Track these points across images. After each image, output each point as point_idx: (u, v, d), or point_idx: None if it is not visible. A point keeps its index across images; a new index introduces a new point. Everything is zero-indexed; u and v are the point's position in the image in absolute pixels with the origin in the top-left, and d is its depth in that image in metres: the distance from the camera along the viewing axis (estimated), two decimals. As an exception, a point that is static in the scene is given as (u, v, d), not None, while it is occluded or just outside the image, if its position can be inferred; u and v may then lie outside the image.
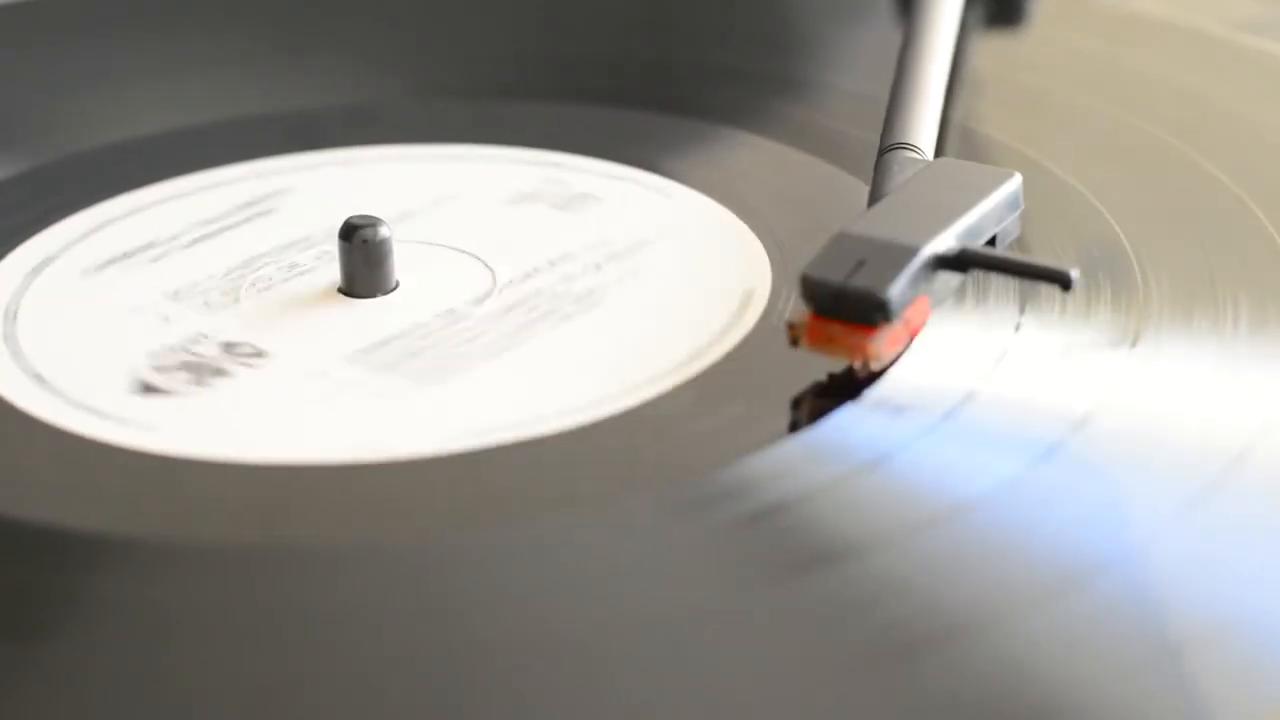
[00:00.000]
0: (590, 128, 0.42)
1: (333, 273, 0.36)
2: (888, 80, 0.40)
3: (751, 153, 0.41)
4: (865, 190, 0.36)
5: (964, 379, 0.32)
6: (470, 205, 0.39)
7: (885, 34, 0.45)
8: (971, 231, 0.33)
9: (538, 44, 0.46)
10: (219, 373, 0.33)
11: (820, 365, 0.32)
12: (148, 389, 0.33)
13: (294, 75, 0.45)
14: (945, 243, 0.32)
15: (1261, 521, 0.29)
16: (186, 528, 0.30)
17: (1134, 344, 0.33)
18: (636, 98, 0.43)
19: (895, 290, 0.31)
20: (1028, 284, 0.34)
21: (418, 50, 0.46)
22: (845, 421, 0.31)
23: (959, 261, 0.32)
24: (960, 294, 0.34)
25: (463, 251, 0.37)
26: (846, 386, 0.32)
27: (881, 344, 0.31)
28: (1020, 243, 0.36)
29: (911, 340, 0.32)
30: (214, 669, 0.27)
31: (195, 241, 0.38)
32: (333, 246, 0.36)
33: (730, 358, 0.33)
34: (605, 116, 0.42)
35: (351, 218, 0.36)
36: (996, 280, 0.34)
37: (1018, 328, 0.33)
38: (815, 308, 0.31)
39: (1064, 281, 0.31)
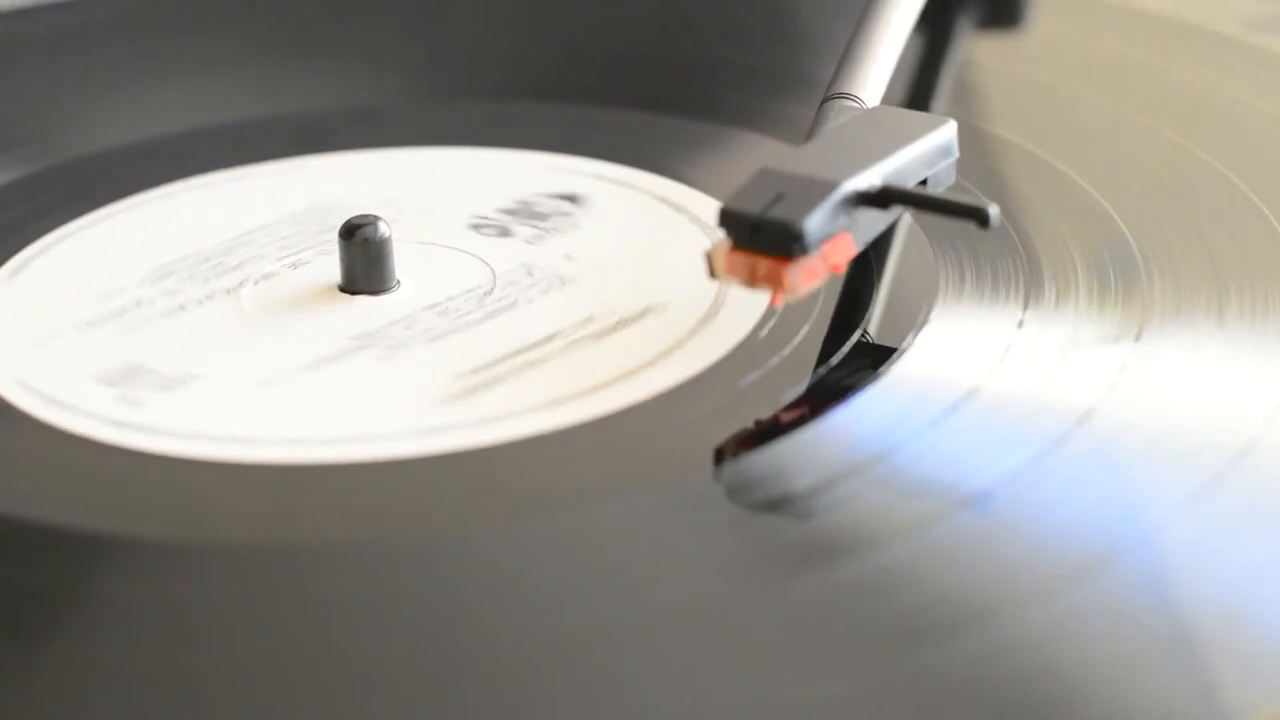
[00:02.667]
0: (591, 128, 0.42)
1: (331, 272, 0.36)
2: (892, 83, 0.40)
3: (753, 152, 0.41)
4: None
5: (968, 374, 0.32)
6: (470, 205, 0.39)
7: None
8: (898, 173, 0.33)
9: (538, 45, 0.46)
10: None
11: (823, 364, 0.32)
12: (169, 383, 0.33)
13: (292, 78, 0.45)
14: (868, 180, 0.32)
15: (1266, 513, 0.29)
16: (186, 528, 0.30)
17: (1138, 338, 0.33)
18: (637, 99, 0.43)
19: (812, 221, 0.31)
20: (1027, 279, 0.34)
21: (417, 52, 0.46)
22: (848, 417, 0.31)
23: (880, 198, 0.32)
24: (961, 289, 0.34)
25: (462, 251, 0.37)
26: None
27: (797, 275, 0.31)
28: (1023, 238, 0.36)
29: (830, 274, 0.32)
30: (215, 669, 0.27)
31: (194, 240, 0.38)
32: (325, 247, 0.36)
33: (730, 357, 0.33)
34: (606, 118, 0.42)
35: (352, 217, 0.36)
36: (999, 277, 0.34)
37: (1021, 324, 0.33)
38: (734, 239, 0.31)
39: (982, 218, 0.31)
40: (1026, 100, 0.42)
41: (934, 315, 0.34)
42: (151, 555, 0.29)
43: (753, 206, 0.31)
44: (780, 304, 0.32)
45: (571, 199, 0.39)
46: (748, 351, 0.33)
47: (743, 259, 0.31)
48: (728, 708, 0.26)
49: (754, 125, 0.41)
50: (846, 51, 0.38)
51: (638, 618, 0.27)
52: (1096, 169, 0.38)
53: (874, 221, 0.33)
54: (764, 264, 0.31)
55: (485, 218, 0.38)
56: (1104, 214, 0.37)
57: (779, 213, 0.31)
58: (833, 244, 0.31)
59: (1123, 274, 0.35)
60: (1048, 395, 0.32)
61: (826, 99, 0.36)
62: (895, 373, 0.32)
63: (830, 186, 0.32)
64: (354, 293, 0.36)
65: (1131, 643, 0.27)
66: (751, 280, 0.31)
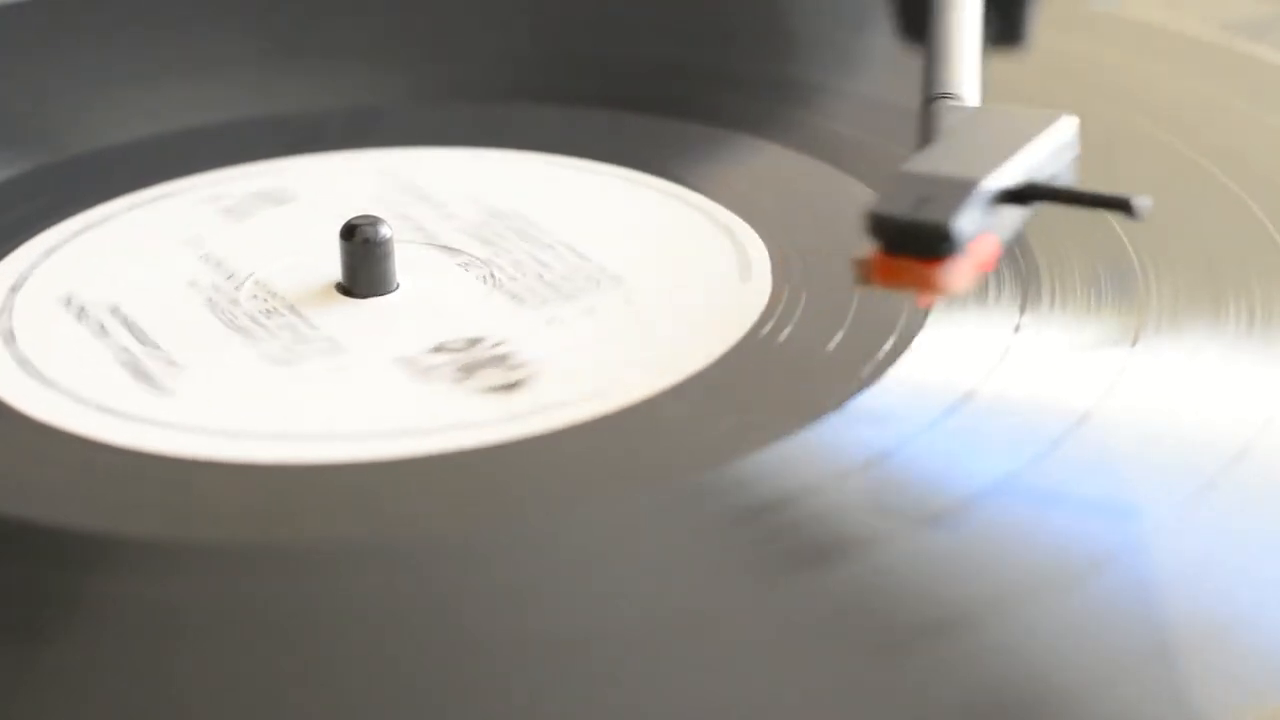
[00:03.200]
0: (592, 131, 0.42)
1: (331, 273, 0.36)
2: (894, 85, 0.40)
3: (755, 156, 0.41)
4: (868, 192, 0.36)
5: (964, 378, 0.32)
6: (469, 206, 0.39)
7: (891, 38, 0.45)
8: (1030, 168, 0.33)
9: (537, 46, 0.46)
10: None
11: (822, 367, 0.32)
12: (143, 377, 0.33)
13: (290, 78, 0.45)
14: (1009, 177, 0.32)
15: (1262, 519, 0.29)
16: (186, 528, 0.30)
17: (1134, 343, 0.33)
18: (638, 101, 0.43)
19: (961, 221, 0.31)
20: (1030, 279, 0.34)
21: (416, 54, 0.46)
22: (845, 420, 0.31)
23: (1023, 195, 0.32)
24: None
25: (462, 251, 0.37)
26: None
27: (950, 276, 0.31)
28: (1020, 242, 0.36)
29: (981, 276, 0.32)
30: (215, 669, 0.27)
31: (192, 240, 0.38)
32: (323, 248, 0.36)
33: (730, 358, 0.33)
34: (605, 120, 0.42)
35: (352, 217, 0.36)
36: (997, 280, 0.35)
37: (1018, 328, 0.33)
38: (883, 244, 0.31)
39: (1129, 209, 0.31)
40: (1022, 101, 0.42)
41: (931, 318, 0.34)
42: (150, 555, 0.29)
43: (900, 210, 0.31)
44: (928, 305, 0.32)
45: (574, 201, 0.39)
46: (747, 352, 0.33)
47: (892, 263, 0.31)
48: (722, 710, 0.26)
49: (751, 129, 0.42)
50: (931, 51, 0.38)
51: (633, 620, 0.27)
52: (1094, 172, 0.38)
53: (1014, 219, 0.33)
54: (914, 267, 0.31)
55: (486, 217, 0.39)
56: (1101, 218, 0.37)
57: (927, 214, 0.31)
58: (978, 243, 0.31)
59: (1120, 278, 0.35)
60: (1044, 399, 0.32)
61: (930, 100, 0.36)
62: (892, 375, 0.32)
63: (972, 185, 0.31)
64: (354, 293, 0.36)
65: (1127, 647, 0.27)
66: (901, 283, 0.31)
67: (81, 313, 0.36)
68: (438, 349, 0.34)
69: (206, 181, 0.40)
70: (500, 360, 0.34)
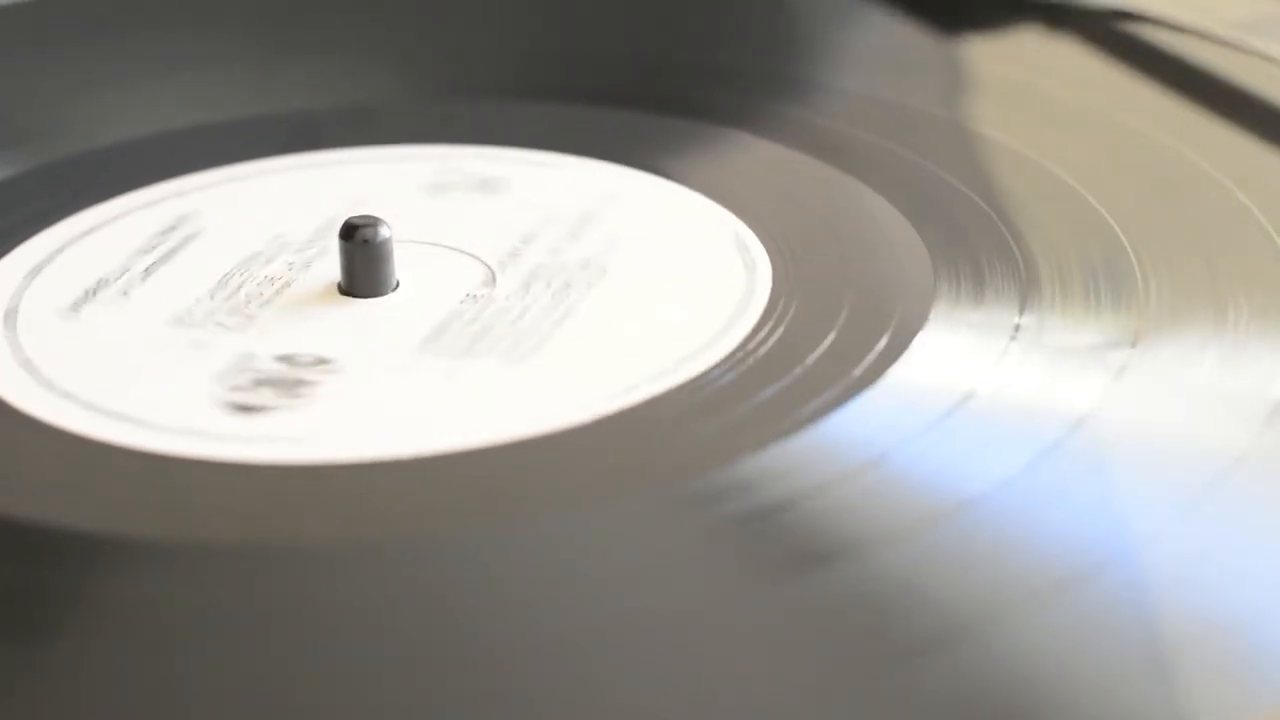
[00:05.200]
0: (587, 128, 0.42)
1: (331, 273, 0.36)
2: (887, 80, 0.40)
3: (751, 153, 0.41)
4: (865, 190, 0.36)
5: (963, 379, 0.32)
6: (468, 206, 0.39)
7: (884, 35, 0.45)
8: None
9: (535, 44, 0.46)
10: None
11: (819, 368, 0.32)
12: (231, 408, 0.33)
13: (286, 76, 0.45)
14: None
15: (1260, 523, 0.29)
16: (186, 528, 0.30)
17: (1134, 344, 0.33)
18: (633, 98, 0.43)
19: None
20: (1030, 279, 0.34)
21: (413, 51, 0.46)
22: (845, 421, 0.31)
23: None
24: (957, 294, 0.34)
25: (462, 251, 0.37)
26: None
27: None
28: (1019, 243, 0.36)
29: None
30: (214, 669, 0.27)
31: (189, 240, 0.38)
32: (316, 249, 0.36)
33: (730, 358, 0.33)
34: (602, 117, 0.42)
35: (351, 217, 0.36)
36: (995, 282, 0.35)
37: (1017, 329, 0.33)
38: None
39: None
40: (1023, 104, 0.42)
41: (929, 320, 0.34)
42: (150, 555, 0.29)
43: None
44: None
45: (572, 199, 0.39)
46: (746, 353, 0.33)
47: None
48: (721, 712, 0.26)
49: (748, 126, 0.41)
50: None
51: (633, 621, 0.27)
52: (1093, 174, 0.38)
53: None
54: None
55: (485, 219, 0.39)
56: (1100, 219, 0.37)
57: None
58: None
59: (1120, 278, 0.35)
60: (1044, 400, 0.32)
61: None
62: (890, 377, 0.32)
63: None
64: (354, 294, 0.36)
65: (1126, 649, 0.27)
66: None
67: (85, 311, 0.36)
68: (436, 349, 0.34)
69: (201, 182, 0.40)
70: (500, 360, 0.34)
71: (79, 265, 0.37)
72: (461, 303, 0.35)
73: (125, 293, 0.36)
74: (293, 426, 0.32)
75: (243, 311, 0.35)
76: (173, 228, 0.39)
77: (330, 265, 0.36)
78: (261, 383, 0.33)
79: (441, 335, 0.34)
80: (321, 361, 0.34)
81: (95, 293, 0.36)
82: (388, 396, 0.33)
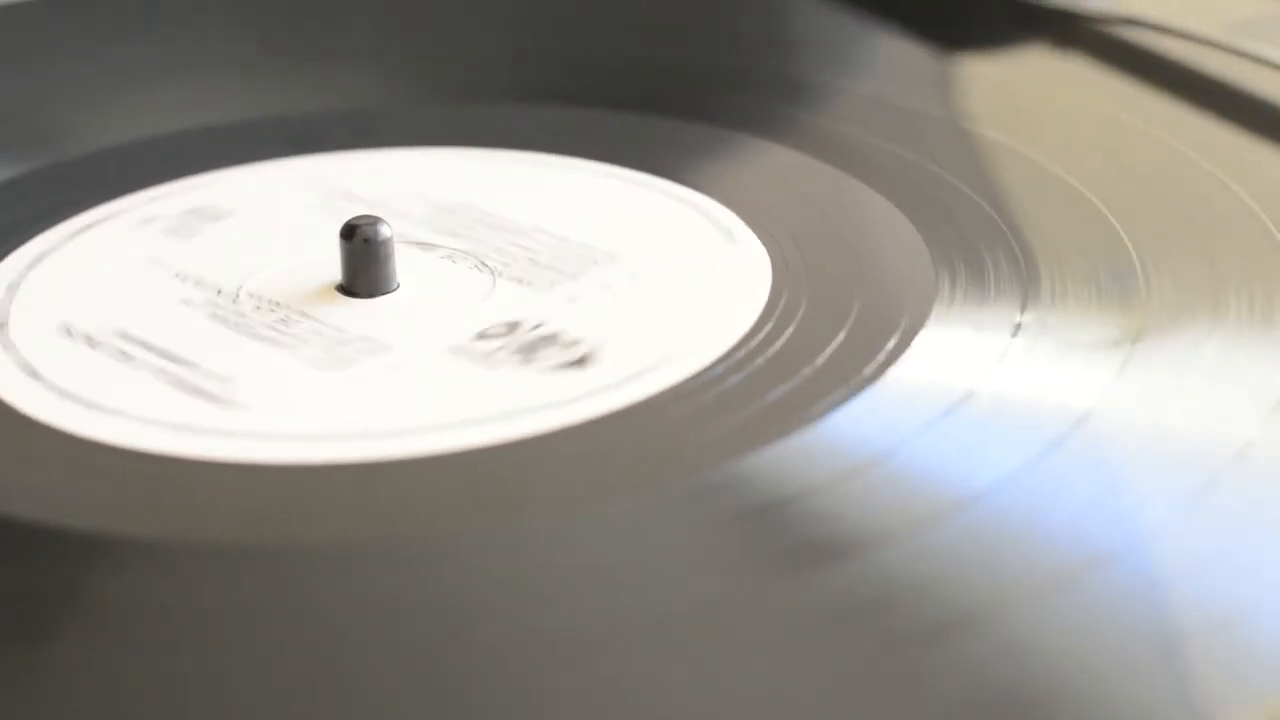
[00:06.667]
0: (590, 130, 0.42)
1: (331, 273, 0.36)
2: (893, 83, 0.40)
3: (753, 155, 0.41)
4: (869, 192, 0.36)
5: (964, 378, 0.32)
6: (468, 205, 0.39)
7: (891, 38, 0.45)
8: None
9: (537, 46, 0.46)
10: (224, 379, 0.34)
11: (822, 367, 0.32)
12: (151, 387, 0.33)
13: (288, 79, 0.45)
14: None
15: (1262, 518, 0.29)
16: (186, 528, 0.30)
17: (1135, 342, 0.33)
18: (635, 101, 0.43)
19: None
20: (1030, 279, 0.34)
21: (415, 54, 0.46)
22: (846, 420, 0.31)
23: None
24: (958, 293, 0.34)
25: (461, 251, 0.37)
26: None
27: None
28: (1020, 242, 0.36)
29: None
30: (214, 669, 0.27)
31: (193, 241, 0.38)
32: (325, 248, 0.36)
33: (731, 357, 0.33)
34: (605, 120, 0.42)
35: (352, 217, 0.36)
36: (996, 280, 0.35)
37: (1018, 327, 0.33)
38: None
39: None
40: (1023, 104, 0.42)
41: (931, 318, 0.34)
42: (150, 555, 0.29)
43: None
44: None
45: (573, 200, 0.39)
46: (747, 353, 0.33)
47: None
48: (723, 710, 0.26)
49: (752, 129, 0.42)
50: None
51: (632, 620, 0.27)
52: (1093, 173, 0.38)
53: None
54: None
55: (484, 219, 0.39)
56: (1101, 218, 0.37)
57: None
58: None
59: (1120, 278, 0.35)
60: (1045, 398, 0.32)
61: None
62: (891, 376, 0.32)
63: None
64: (354, 293, 0.36)
65: (1127, 647, 0.27)
66: None
67: (83, 329, 0.36)
68: (481, 336, 0.34)
69: (199, 183, 0.40)
70: (552, 339, 0.34)
71: (76, 267, 0.37)
72: (461, 309, 0.35)
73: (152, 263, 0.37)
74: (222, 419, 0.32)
75: (237, 303, 0.36)
76: (195, 210, 0.39)
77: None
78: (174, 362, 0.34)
79: (432, 338, 0.34)
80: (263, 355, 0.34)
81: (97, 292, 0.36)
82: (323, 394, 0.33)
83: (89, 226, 0.39)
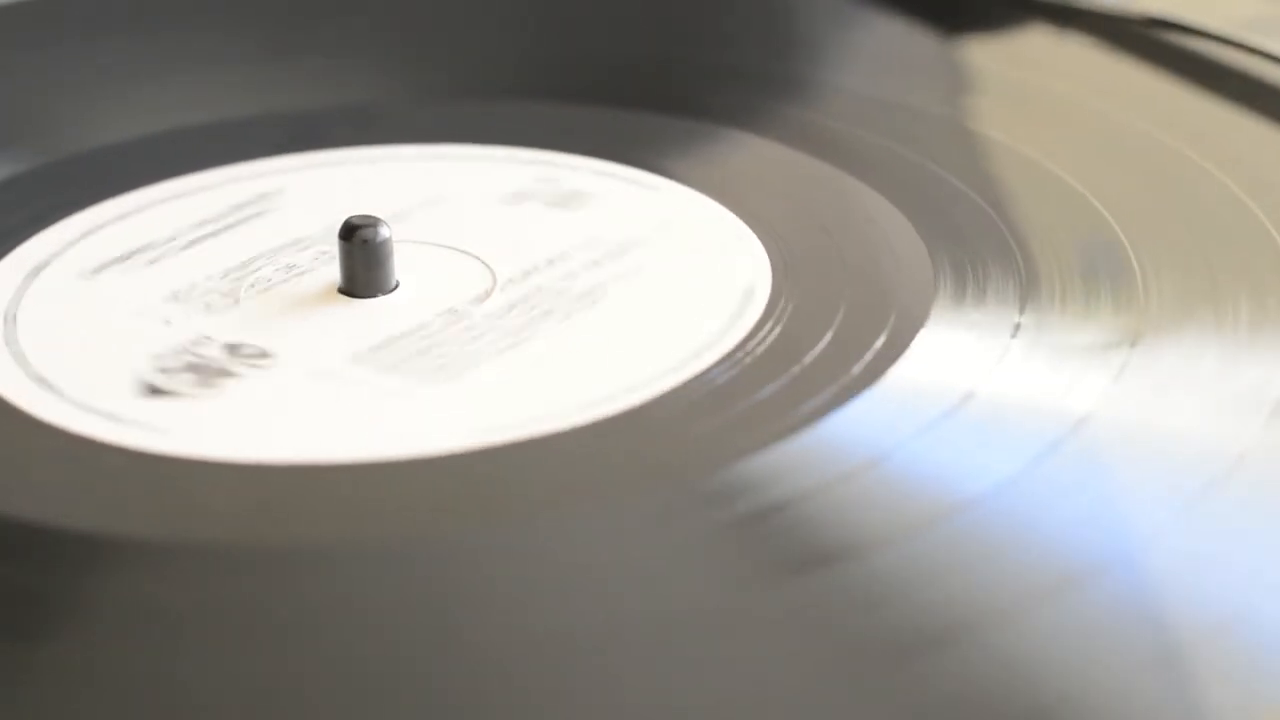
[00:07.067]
0: (588, 127, 0.42)
1: (332, 273, 0.36)
2: (888, 79, 0.40)
3: (751, 152, 0.41)
4: (865, 189, 0.36)
5: (963, 379, 0.32)
6: (468, 205, 0.39)
7: (885, 33, 0.45)
8: None
9: (535, 44, 0.46)
10: (224, 374, 0.33)
11: (820, 367, 0.32)
12: (153, 390, 0.33)
13: (289, 76, 0.45)
14: None
15: (1261, 521, 0.29)
16: (186, 528, 0.30)
17: (1134, 344, 0.33)
18: (634, 98, 0.43)
19: None
20: (1030, 280, 0.34)
21: (415, 51, 0.46)
22: (845, 420, 0.31)
23: None
24: (957, 294, 0.34)
25: (461, 251, 0.37)
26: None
27: None
28: (1020, 243, 0.36)
29: None
30: (214, 669, 0.27)
31: (192, 243, 0.38)
32: (330, 247, 0.36)
33: (730, 357, 0.33)
34: (603, 116, 0.42)
35: (351, 218, 0.36)
36: (995, 282, 0.35)
37: (1017, 328, 0.33)
38: None
39: None
40: (1023, 104, 0.42)
41: (930, 320, 0.34)
42: (149, 555, 0.29)
43: None
44: None
45: (572, 198, 0.39)
46: (746, 353, 0.33)
47: None
48: (721, 712, 0.26)
49: (748, 125, 0.41)
50: None
51: (632, 621, 0.27)
52: (1094, 174, 0.38)
53: None
54: None
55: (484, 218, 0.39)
56: (1101, 219, 0.37)
57: None
58: None
59: (1119, 279, 0.35)
60: (1043, 400, 0.32)
61: None
62: (890, 377, 0.32)
63: None
64: (354, 294, 0.36)
65: (1125, 651, 0.27)
66: None
67: (81, 315, 0.36)
68: (441, 348, 0.34)
69: (203, 183, 0.40)
70: (500, 360, 0.34)
71: (75, 267, 0.37)
72: (448, 312, 0.35)
73: (154, 262, 0.37)
74: (197, 417, 0.32)
75: (233, 295, 0.36)
76: (244, 204, 0.39)
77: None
78: (189, 368, 0.33)
79: (412, 341, 0.34)
80: (263, 355, 0.34)
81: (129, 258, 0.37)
82: (302, 400, 0.33)
83: (92, 229, 0.39)
